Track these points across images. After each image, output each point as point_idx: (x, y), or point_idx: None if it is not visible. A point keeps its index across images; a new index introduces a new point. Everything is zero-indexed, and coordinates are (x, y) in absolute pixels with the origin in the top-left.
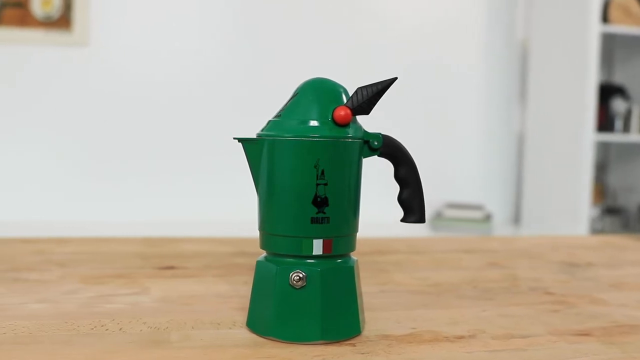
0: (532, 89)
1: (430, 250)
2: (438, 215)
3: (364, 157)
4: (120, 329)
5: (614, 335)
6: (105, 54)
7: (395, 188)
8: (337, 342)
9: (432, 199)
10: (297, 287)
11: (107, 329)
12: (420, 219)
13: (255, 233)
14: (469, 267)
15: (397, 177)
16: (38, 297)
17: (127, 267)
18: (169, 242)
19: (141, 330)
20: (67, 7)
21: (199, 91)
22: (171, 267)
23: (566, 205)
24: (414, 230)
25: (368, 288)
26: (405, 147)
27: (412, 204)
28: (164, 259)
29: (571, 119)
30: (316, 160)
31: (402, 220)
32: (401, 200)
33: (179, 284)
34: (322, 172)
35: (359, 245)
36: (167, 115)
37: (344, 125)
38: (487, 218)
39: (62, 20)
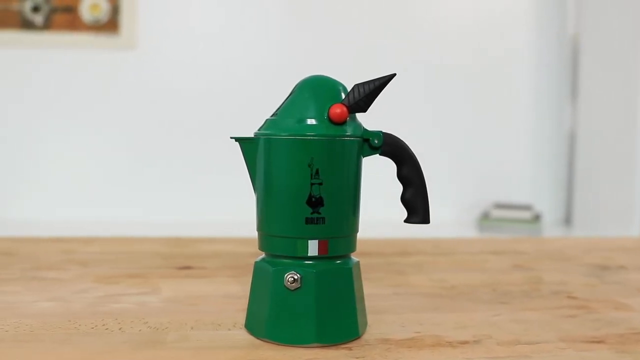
0: (584, 85)
1: (456, 252)
2: (485, 216)
3: (364, 156)
4: (120, 329)
5: (630, 343)
6: (152, 56)
7: (430, 187)
8: (334, 345)
9: (479, 199)
10: (292, 289)
11: (107, 329)
12: (424, 219)
13: None
14: (492, 269)
15: (400, 176)
16: (50, 295)
17: (145, 267)
18: (192, 242)
19: (140, 330)
20: (115, 11)
21: (242, 93)
22: (188, 267)
23: (619, 205)
24: (456, 230)
25: (381, 290)
26: (409, 145)
27: (415, 204)
28: (183, 259)
29: (624, 117)
30: (310, 159)
31: (405, 221)
32: (404, 200)
33: (190, 284)
34: (317, 172)
35: (381, 246)
36: (212, 117)
37: (340, 123)
38: (536, 219)
39: (110, 24)
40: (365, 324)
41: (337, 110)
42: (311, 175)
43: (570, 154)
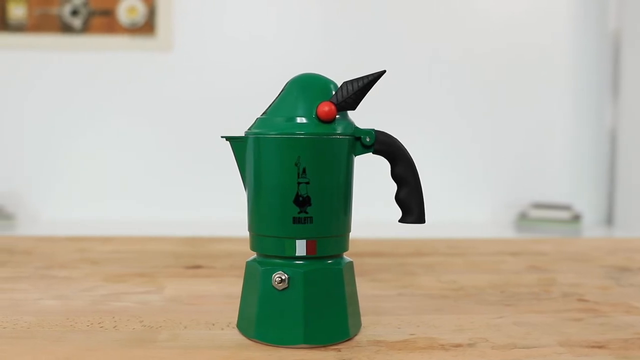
0: (625, 81)
1: (473, 252)
2: (523, 216)
3: (356, 155)
4: (115, 327)
5: (633, 348)
6: (189, 58)
7: (466, 186)
8: (323, 346)
9: (516, 199)
10: (280, 289)
11: (102, 327)
12: (419, 219)
13: None
14: (506, 271)
15: (394, 175)
16: (55, 293)
17: (154, 266)
18: (207, 241)
19: (133, 329)
20: (152, 13)
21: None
22: (198, 267)
23: None
24: (493, 231)
25: (386, 291)
26: (402, 143)
27: (410, 204)
28: (195, 258)
29: None
30: (297, 158)
31: (400, 221)
32: (399, 199)
33: (195, 284)
34: (304, 171)
35: (395, 247)
36: (248, 119)
37: (329, 121)
38: (576, 219)
39: (147, 27)
40: (359, 325)
41: (325, 108)
42: (298, 174)
43: (612, 153)
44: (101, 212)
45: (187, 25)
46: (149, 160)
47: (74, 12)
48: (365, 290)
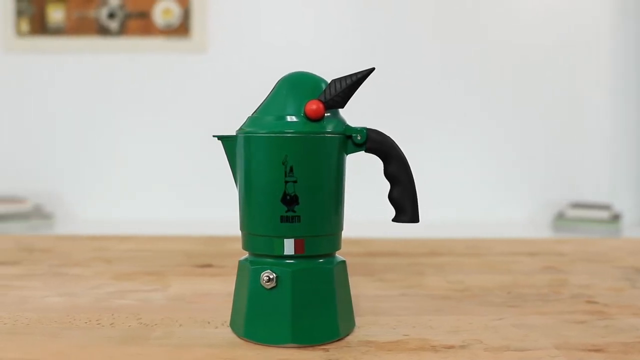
0: None
1: (489, 253)
2: (560, 216)
3: (348, 154)
4: (112, 324)
5: (633, 352)
6: (222, 60)
7: (503, 185)
8: (311, 346)
9: (554, 198)
10: (268, 288)
11: (99, 324)
12: (413, 218)
13: None
14: (519, 271)
15: (387, 174)
16: (62, 290)
17: (165, 265)
18: (223, 240)
19: (129, 326)
20: (187, 15)
21: None
22: (208, 266)
23: None
24: (529, 231)
25: (390, 291)
26: (395, 141)
27: (403, 203)
28: (207, 257)
29: None
30: (284, 157)
31: (393, 220)
32: (392, 198)
33: (201, 283)
34: (291, 169)
35: (412, 247)
36: None
37: (317, 119)
38: (615, 218)
39: (182, 28)
40: (352, 325)
41: (313, 106)
42: (285, 172)
43: None
44: (139, 212)
45: (222, 28)
46: (184, 160)
47: (111, 15)
48: (369, 290)
